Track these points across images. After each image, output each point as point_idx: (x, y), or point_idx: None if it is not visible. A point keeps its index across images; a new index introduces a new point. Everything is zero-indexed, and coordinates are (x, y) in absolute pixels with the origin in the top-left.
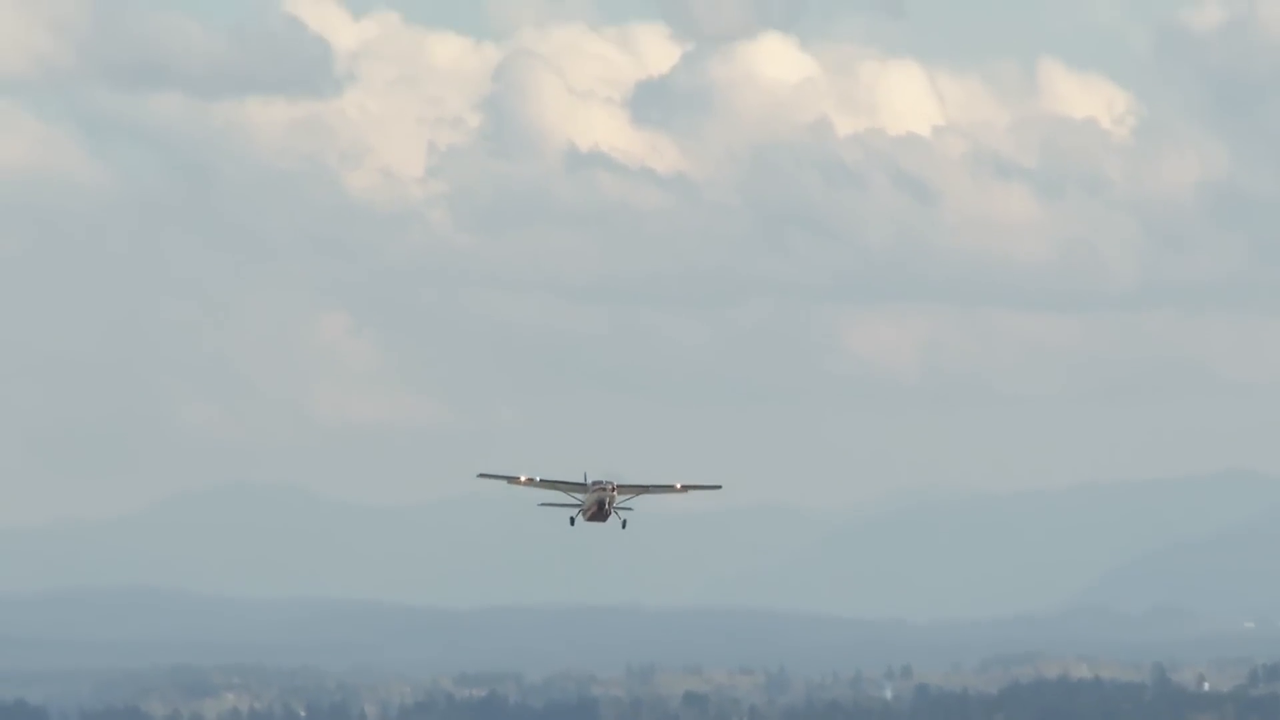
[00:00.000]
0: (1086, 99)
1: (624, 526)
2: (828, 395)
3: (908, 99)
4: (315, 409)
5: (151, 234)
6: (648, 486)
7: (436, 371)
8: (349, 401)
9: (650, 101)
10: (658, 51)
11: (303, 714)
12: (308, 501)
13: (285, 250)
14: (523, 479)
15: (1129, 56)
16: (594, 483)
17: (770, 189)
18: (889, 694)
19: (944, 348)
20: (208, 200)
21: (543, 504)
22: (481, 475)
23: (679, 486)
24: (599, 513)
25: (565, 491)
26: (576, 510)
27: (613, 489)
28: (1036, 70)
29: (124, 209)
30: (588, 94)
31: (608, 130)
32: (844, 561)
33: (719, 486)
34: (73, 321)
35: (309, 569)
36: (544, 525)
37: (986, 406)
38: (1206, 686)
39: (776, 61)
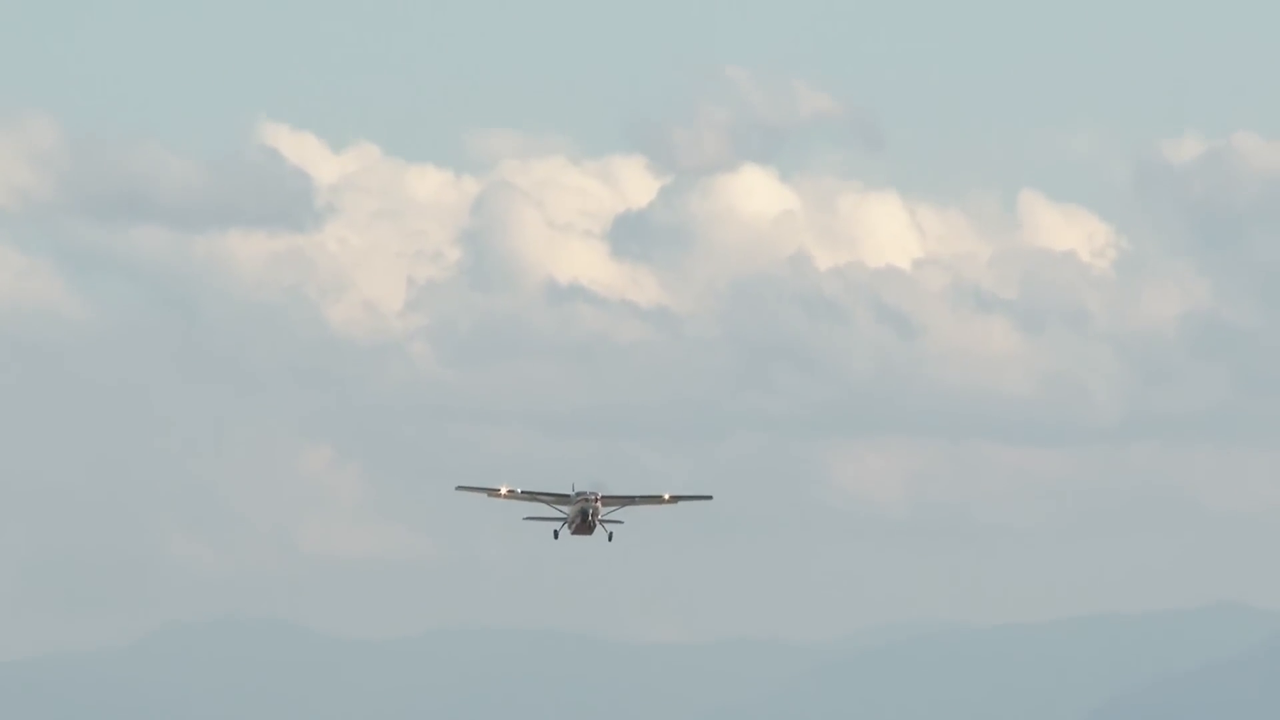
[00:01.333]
0: (1067, 231)
1: (610, 539)
2: (812, 527)
3: (887, 232)
4: (303, 541)
5: (134, 366)
6: (634, 498)
7: (422, 504)
8: (336, 534)
9: (630, 235)
10: (637, 185)
11: None
12: (297, 634)
13: (268, 382)
14: (503, 490)
15: (1109, 189)
16: (578, 493)
17: (752, 322)
18: None
19: (929, 480)
20: (190, 332)
21: (527, 518)
22: (460, 488)
23: (667, 497)
24: (584, 525)
25: (548, 504)
26: (561, 523)
27: (597, 499)
28: (1017, 203)
29: (106, 341)
30: (567, 227)
31: (587, 263)
32: (830, 695)
33: (709, 497)
34: (56, 454)
35: (299, 702)
36: (531, 662)
37: (971, 538)
38: None
39: (755, 194)
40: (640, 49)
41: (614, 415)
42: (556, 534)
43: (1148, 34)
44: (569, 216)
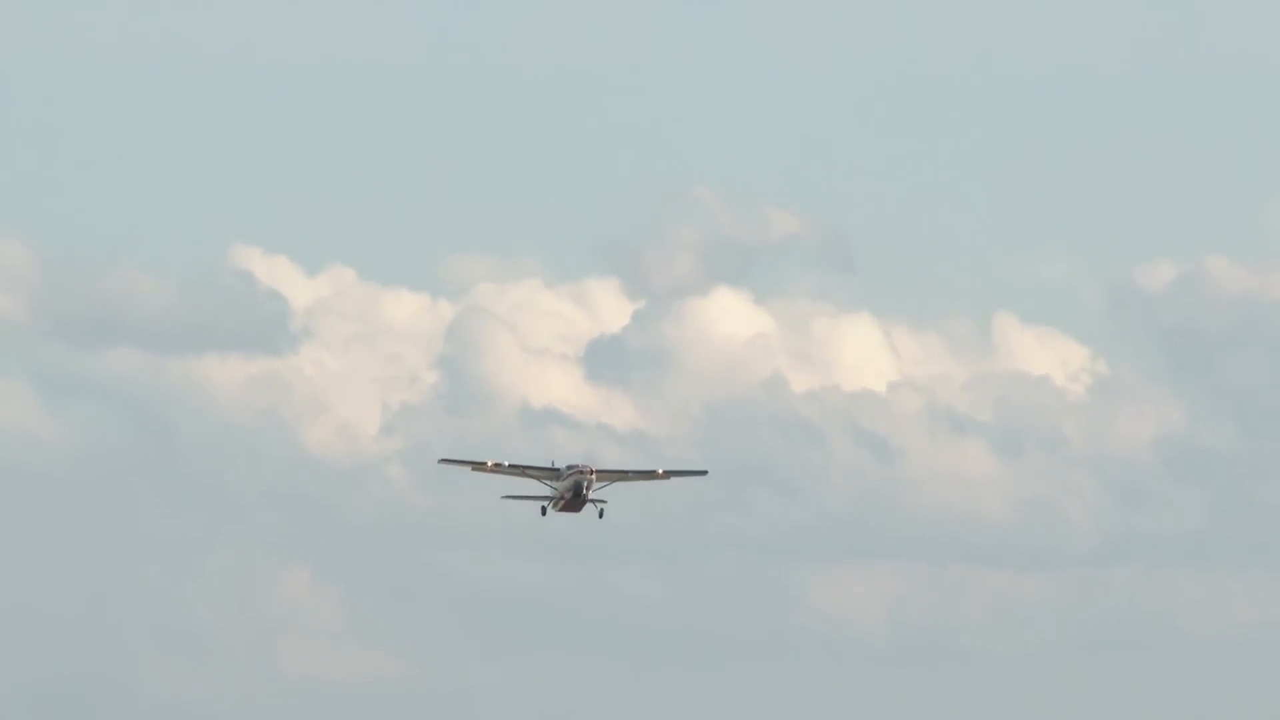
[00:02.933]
0: (1042, 354)
1: (601, 516)
2: (791, 651)
3: (862, 354)
4: (283, 666)
5: (110, 488)
6: (628, 472)
7: (403, 627)
8: (317, 658)
9: (604, 358)
10: (611, 308)
11: None
12: None
13: (245, 505)
14: (489, 464)
15: (1084, 313)
16: (569, 467)
17: (729, 445)
18: None
19: (908, 604)
20: (166, 456)
21: (506, 496)
22: (443, 461)
23: (661, 473)
24: (574, 500)
25: (537, 478)
26: (548, 500)
27: (591, 473)
28: (991, 326)
29: (82, 465)
30: (541, 351)
31: (562, 387)
32: None
33: (704, 472)
34: (30, 577)
35: None
36: None
37: (952, 662)
38: None
39: (729, 317)
40: (610, 170)
41: (591, 537)
42: (545, 510)
43: (1119, 159)
44: (544, 340)
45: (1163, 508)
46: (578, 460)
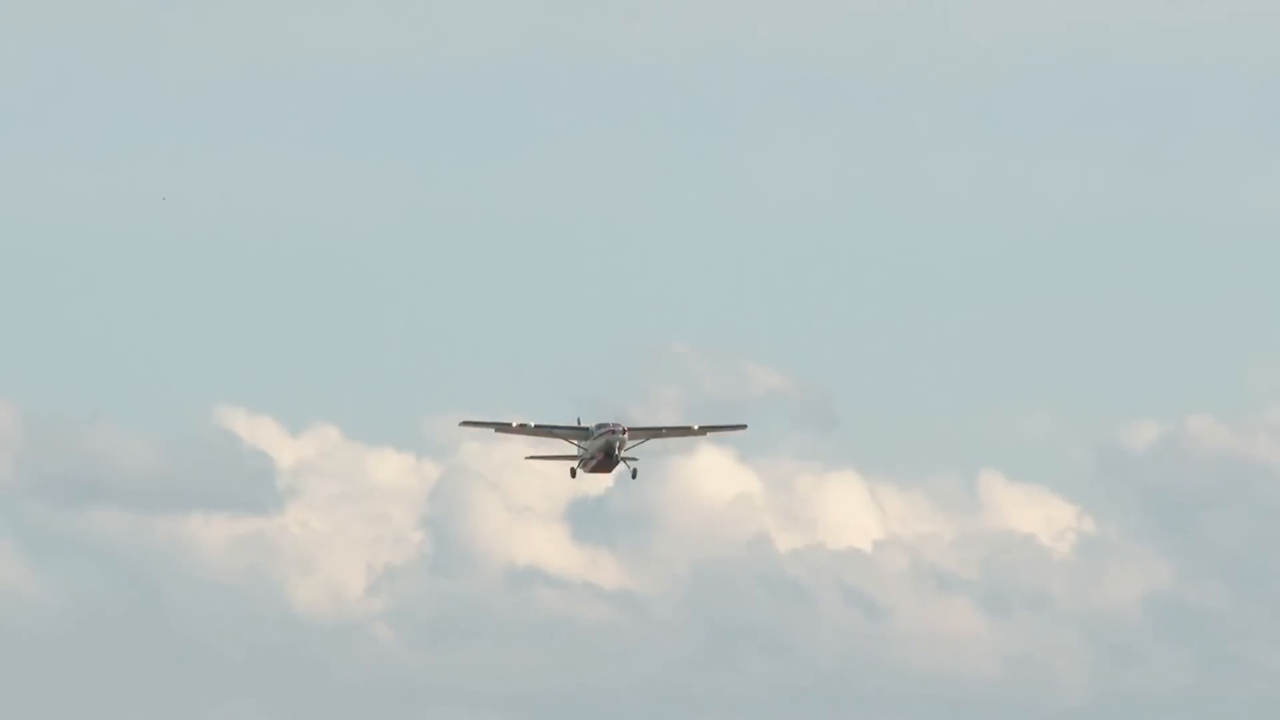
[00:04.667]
0: (1029, 512)
1: (634, 476)
2: None
3: (847, 512)
4: None
5: (96, 649)
6: (661, 429)
7: None
8: None
9: (589, 517)
10: None
11: None
12: None
13: (232, 664)
14: (514, 423)
15: (1069, 471)
16: (599, 426)
17: (715, 605)
18: None
19: None
20: (152, 615)
21: (530, 457)
22: (465, 423)
23: (696, 428)
24: (605, 461)
25: (565, 438)
26: (576, 461)
27: (623, 432)
28: (977, 483)
29: (67, 624)
30: (526, 510)
31: (548, 547)
32: None
33: (743, 426)
34: None
35: None
36: None
37: None
38: None
39: (712, 476)
40: (591, 327)
41: (579, 697)
42: (574, 472)
43: (1102, 319)
44: (528, 499)
45: (1150, 666)
46: (608, 418)
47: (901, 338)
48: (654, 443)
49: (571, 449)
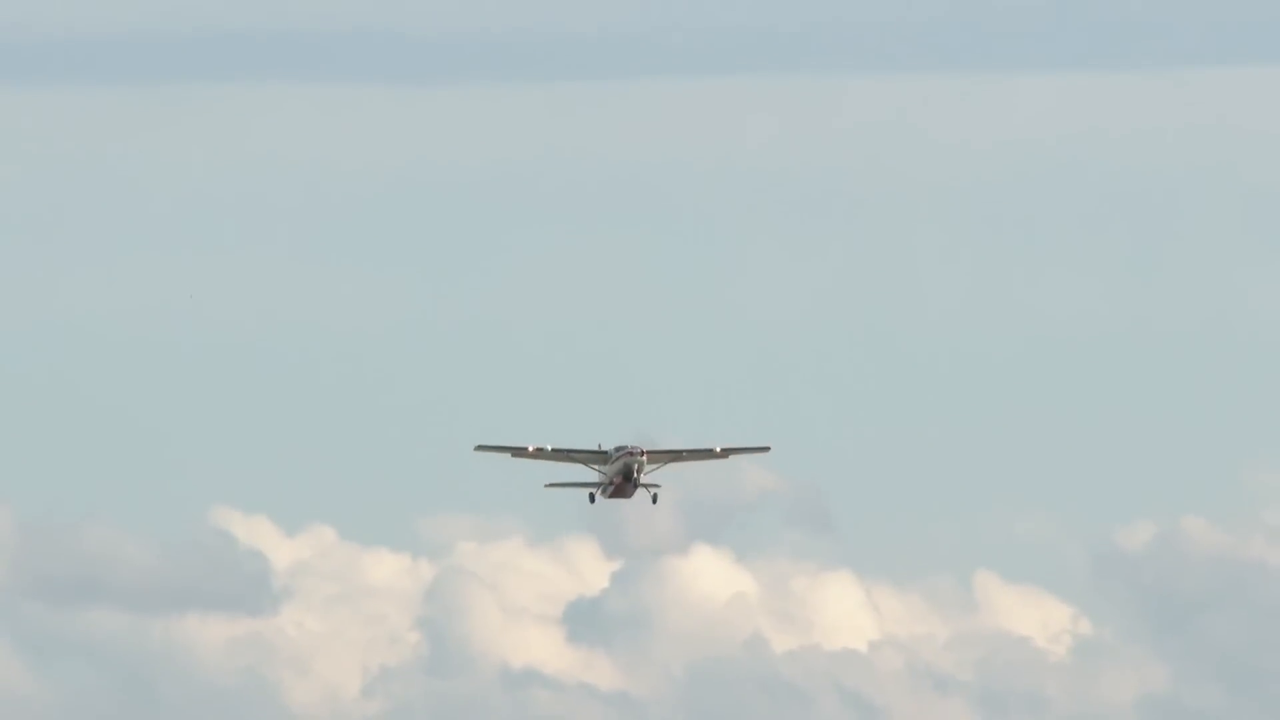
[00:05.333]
0: (1024, 613)
1: (655, 501)
2: None
3: (843, 613)
4: None
5: None
6: (682, 452)
7: None
8: None
9: (585, 619)
10: (590, 568)
11: None
12: None
13: None
14: (530, 449)
15: (1065, 572)
16: (618, 449)
17: (711, 706)
18: None
19: None
20: (149, 716)
21: (550, 485)
22: (480, 448)
23: (719, 450)
24: (624, 485)
25: (584, 462)
26: (596, 486)
27: (642, 454)
28: (973, 584)
29: None
30: (521, 611)
31: (544, 648)
32: None
33: (766, 448)
34: None
35: None
36: None
37: None
38: None
39: (707, 576)
40: (583, 425)
41: None
42: (593, 498)
43: (1097, 420)
44: (524, 601)
45: None
46: (628, 440)
47: (896, 439)
48: (675, 478)
49: (590, 474)
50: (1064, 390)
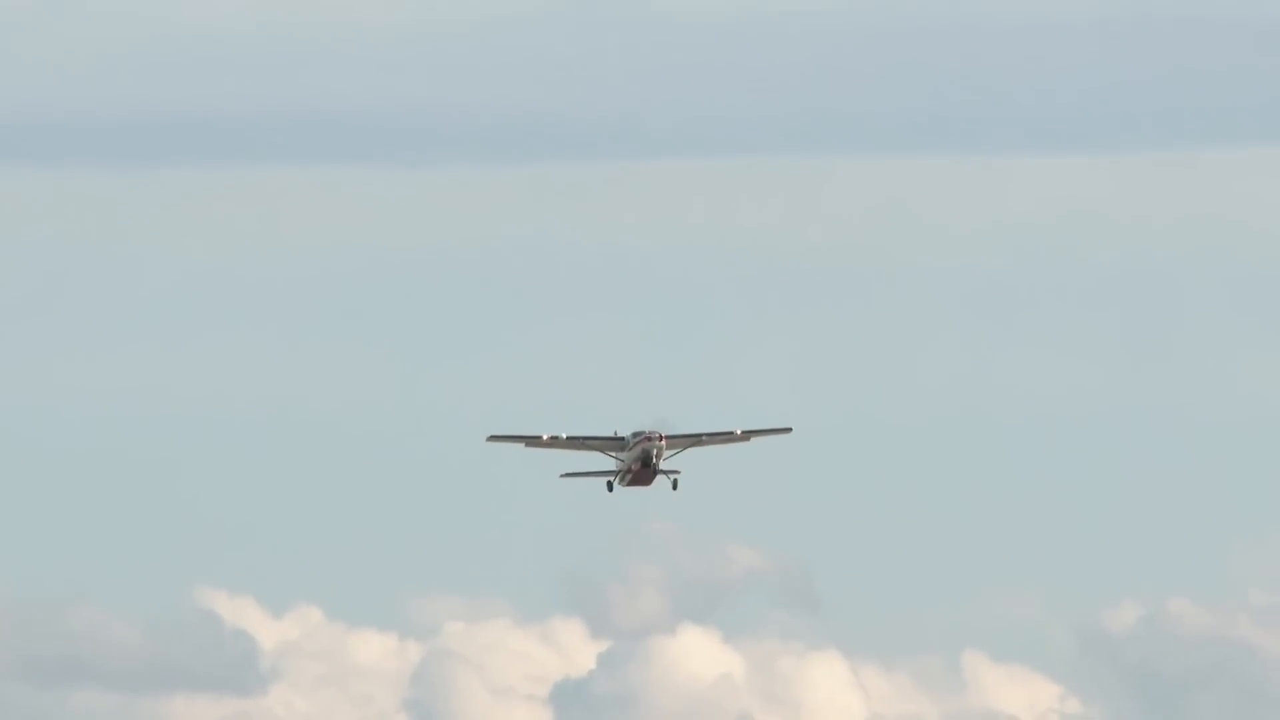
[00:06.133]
0: (1013, 692)
1: (675, 488)
2: None
3: (831, 693)
4: None
5: None
6: (702, 436)
7: None
8: None
9: (572, 699)
10: (577, 648)
11: None
12: None
13: None
14: (545, 436)
15: (1052, 652)
16: (635, 434)
17: None
18: None
19: None
20: None
21: (565, 475)
22: (492, 438)
23: (740, 433)
24: (643, 472)
25: (600, 450)
26: (614, 474)
27: (661, 439)
28: (961, 663)
29: None
30: (508, 692)
31: None
32: None
33: (788, 430)
34: None
35: None
36: None
37: None
38: None
39: (694, 656)
40: (568, 508)
41: None
42: (611, 486)
43: (1084, 501)
44: (512, 681)
45: None
46: (645, 426)
47: (883, 518)
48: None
49: (607, 463)
50: (1051, 472)
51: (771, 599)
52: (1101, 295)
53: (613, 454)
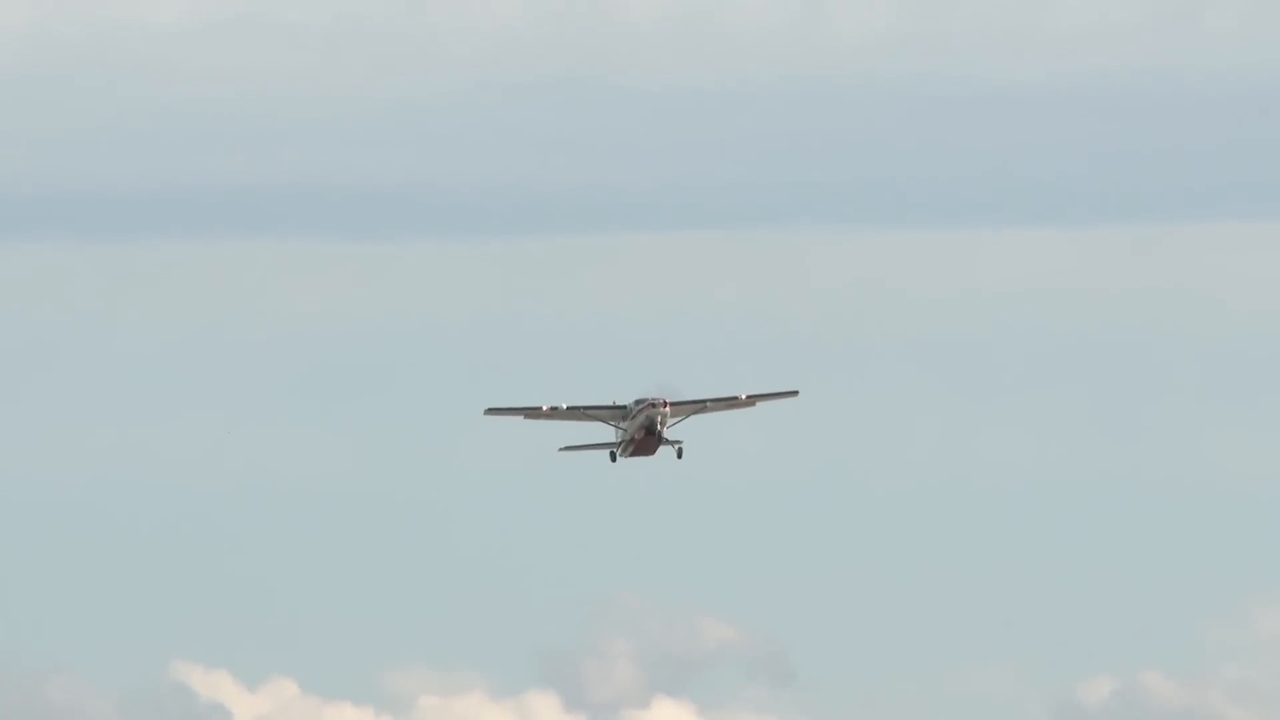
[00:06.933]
0: None
1: (680, 456)
2: None
3: None
4: None
5: None
6: (706, 402)
7: None
8: None
9: None
10: None
11: None
12: None
13: None
14: (545, 407)
15: None
16: (638, 401)
17: None
18: None
19: None
20: None
21: (564, 448)
22: (490, 411)
23: (745, 398)
24: (646, 440)
25: (602, 419)
26: (616, 445)
27: (665, 406)
28: None
29: None
30: None
31: None
32: None
33: (795, 393)
34: None
35: None
36: None
37: None
38: None
39: None
40: (542, 580)
41: None
42: (614, 456)
43: (1058, 577)
44: None
45: None
46: (648, 393)
47: (857, 592)
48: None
49: (609, 434)
50: (1024, 546)
51: (745, 672)
52: (1071, 368)
53: (615, 424)
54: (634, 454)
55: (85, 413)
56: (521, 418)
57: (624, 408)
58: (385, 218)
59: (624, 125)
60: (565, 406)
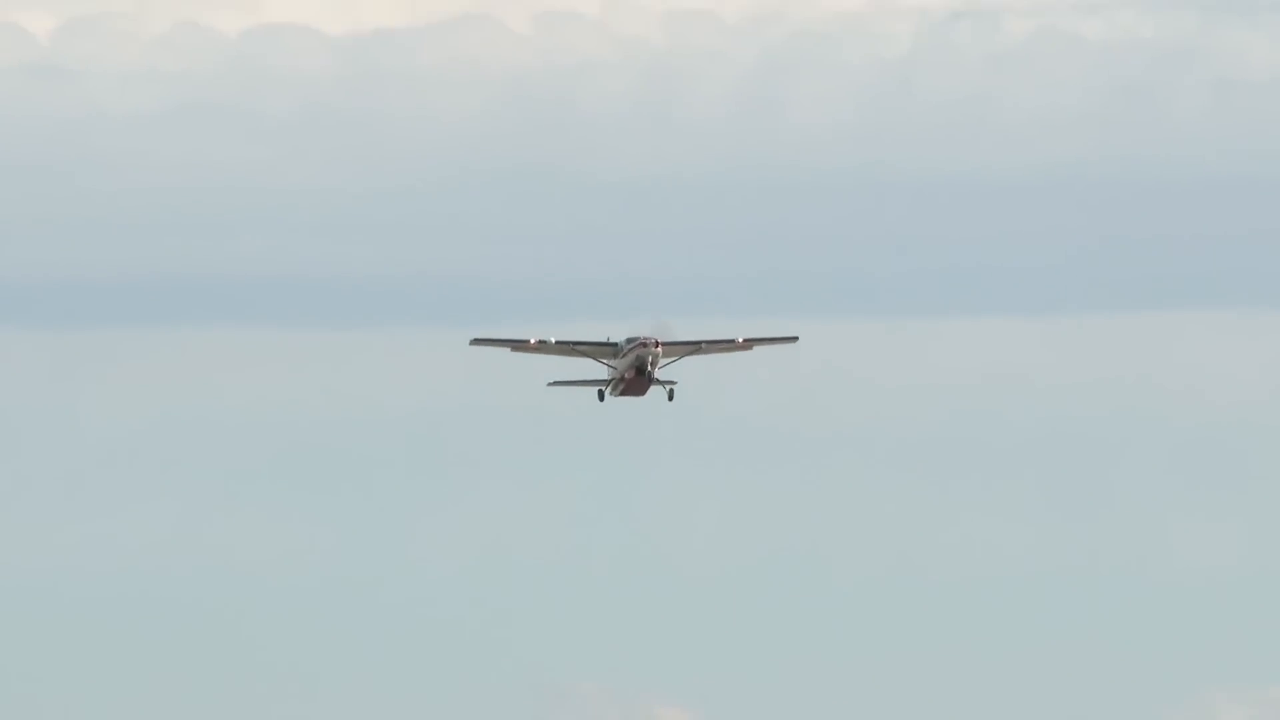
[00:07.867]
0: None
1: (671, 399)
2: None
3: None
4: None
5: None
6: (701, 344)
7: None
8: None
9: None
10: None
11: None
12: None
13: None
14: (532, 340)
15: None
16: (629, 340)
17: None
18: None
19: None
20: None
21: (553, 383)
22: (476, 341)
23: (742, 341)
24: (637, 380)
25: (591, 356)
26: (605, 383)
27: (656, 346)
28: None
29: None
30: None
31: None
32: None
33: (794, 339)
34: None
35: None
36: None
37: None
38: None
39: None
40: (493, 664)
41: None
42: (602, 395)
43: (1028, 663)
44: None
45: None
46: (641, 332)
47: (826, 681)
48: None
49: (599, 370)
50: (981, 637)
51: None
52: (1036, 458)
53: (605, 361)
54: (624, 393)
55: (39, 503)
56: (509, 350)
57: (615, 345)
58: (346, 307)
59: (583, 216)
60: (554, 341)
